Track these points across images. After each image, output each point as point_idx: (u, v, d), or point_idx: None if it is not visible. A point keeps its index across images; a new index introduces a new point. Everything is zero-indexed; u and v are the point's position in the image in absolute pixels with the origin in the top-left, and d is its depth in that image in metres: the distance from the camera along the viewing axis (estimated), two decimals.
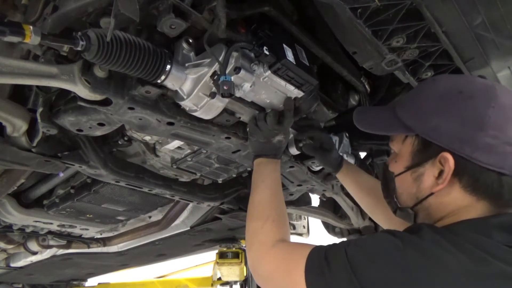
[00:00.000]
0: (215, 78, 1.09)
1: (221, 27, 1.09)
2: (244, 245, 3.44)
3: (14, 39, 0.88)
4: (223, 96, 1.05)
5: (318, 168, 1.75)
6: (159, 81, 1.10)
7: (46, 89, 1.28)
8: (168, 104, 1.23)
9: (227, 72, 1.07)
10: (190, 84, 1.15)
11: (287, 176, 1.80)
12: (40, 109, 1.27)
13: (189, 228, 2.62)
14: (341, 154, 1.68)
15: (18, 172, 1.70)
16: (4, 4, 1.19)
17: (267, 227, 1.10)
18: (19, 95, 1.38)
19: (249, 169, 1.79)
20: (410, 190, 0.97)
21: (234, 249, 3.51)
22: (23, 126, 1.33)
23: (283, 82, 1.24)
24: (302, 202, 2.20)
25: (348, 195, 2.09)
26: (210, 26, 1.10)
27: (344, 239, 2.87)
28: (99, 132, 1.35)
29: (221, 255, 3.60)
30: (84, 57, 0.99)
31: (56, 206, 2.03)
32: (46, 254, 3.06)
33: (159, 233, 2.55)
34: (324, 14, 1.23)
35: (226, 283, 4.48)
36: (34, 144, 1.38)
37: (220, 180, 1.92)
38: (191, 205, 2.39)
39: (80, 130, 1.32)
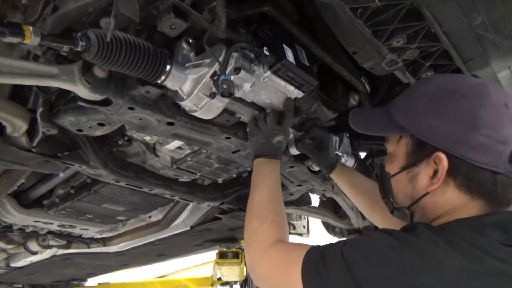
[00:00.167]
0: (215, 78, 1.09)
1: (221, 27, 1.09)
2: (244, 245, 3.43)
3: (14, 40, 0.88)
4: (222, 95, 1.05)
5: (318, 168, 1.75)
6: (159, 81, 1.10)
7: (46, 89, 1.28)
8: (168, 104, 1.23)
9: (227, 72, 1.07)
10: (190, 84, 1.15)
11: (287, 176, 1.80)
12: (40, 109, 1.27)
13: (189, 228, 2.62)
14: (341, 154, 1.68)
15: (18, 172, 1.70)
16: (4, 4, 1.19)
17: (265, 228, 1.10)
18: (19, 95, 1.38)
19: (249, 169, 1.79)
20: (406, 190, 0.98)
21: (234, 249, 3.51)
22: (23, 126, 1.33)
23: (283, 83, 1.24)
24: (302, 202, 2.20)
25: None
26: (210, 26, 1.10)
27: (344, 239, 2.87)
28: (99, 132, 1.35)
29: (221, 255, 3.60)
30: (84, 57, 0.99)
31: (56, 206, 2.03)
32: (46, 254, 3.06)
33: (159, 233, 2.55)
34: (324, 14, 1.23)
35: (226, 283, 4.48)
36: (34, 144, 1.38)
37: (220, 180, 1.92)
38: (191, 205, 2.39)
39: (80, 130, 1.32)
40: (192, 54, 1.15)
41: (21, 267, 3.38)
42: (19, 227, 2.37)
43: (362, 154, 2.04)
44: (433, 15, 1.12)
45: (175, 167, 1.70)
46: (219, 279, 4.49)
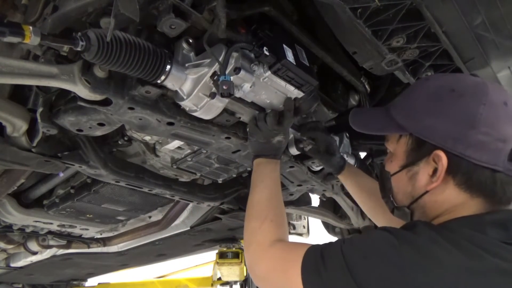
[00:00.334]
0: (215, 78, 1.09)
1: (221, 27, 1.09)
2: (243, 245, 3.43)
3: (14, 39, 0.88)
4: (222, 96, 1.05)
5: (318, 168, 1.75)
6: (159, 81, 1.10)
7: (46, 89, 1.28)
8: (168, 104, 1.23)
9: (227, 72, 1.07)
10: (190, 84, 1.15)
11: (287, 176, 1.80)
12: (40, 109, 1.27)
13: (189, 228, 2.62)
14: (341, 154, 1.68)
15: (18, 172, 1.70)
16: (4, 4, 1.19)
17: (265, 227, 1.10)
18: (19, 95, 1.38)
19: (249, 169, 1.79)
20: (406, 189, 0.98)
21: (234, 249, 3.51)
22: (23, 126, 1.33)
23: (283, 83, 1.24)
24: (302, 202, 2.20)
25: (348, 195, 2.09)
26: (210, 26, 1.10)
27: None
28: (99, 132, 1.35)
29: (221, 255, 3.60)
30: (84, 57, 0.99)
31: (56, 206, 2.03)
32: (46, 254, 3.06)
33: (159, 233, 2.55)
34: (324, 14, 1.23)
35: (226, 283, 4.48)
36: (34, 144, 1.38)
37: (220, 180, 1.92)
38: (191, 205, 2.39)
39: (80, 130, 1.32)
40: (192, 54, 1.15)
41: (21, 267, 3.38)
42: (19, 227, 2.37)
43: (362, 154, 2.04)
44: (433, 15, 1.12)
45: (175, 167, 1.70)
46: (219, 279, 4.49)
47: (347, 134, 1.77)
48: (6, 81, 1.07)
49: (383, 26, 1.16)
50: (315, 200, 2.38)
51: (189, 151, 1.63)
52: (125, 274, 5.14)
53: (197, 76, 1.14)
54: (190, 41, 1.14)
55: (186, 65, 1.14)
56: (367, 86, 1.65)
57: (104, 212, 2.22)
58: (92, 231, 2.64)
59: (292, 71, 1.20)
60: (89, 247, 2.83)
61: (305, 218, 3.52)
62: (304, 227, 3.49)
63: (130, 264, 3.92)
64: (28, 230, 2.44)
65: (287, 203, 2.08)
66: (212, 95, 1.15)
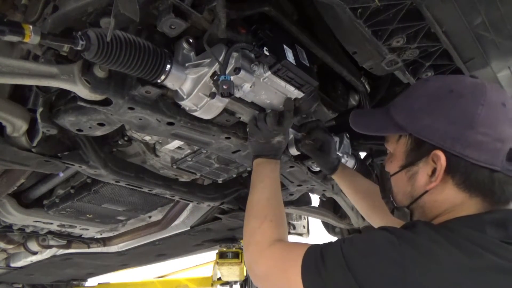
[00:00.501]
0: (215, 78, 1.09)
1: (221, 27, 1.09)
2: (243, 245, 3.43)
3: (14, 38, 0.88)
4: (222, 95, 1.05)
5: (318, 169, 1.75)
6: (159, 81, 1.10)
7: (46, 89, 1.28)
8: (168, 104, 1.23)
9: (227, 72, 1.07)
10: (190, 84, 1.15)
11: (287, 176, 1.80)
12: (40, 109, 1.27)
13: (189, 228, 2.62)
14: (341, 154, 1.68)
15: (18, 172, 1.70)
16: (4, 4, 1.19)
17: (265, 227, 1.10)
18: (19, 95, 1.38)
19: (249, 169, 1.79)
20: (405, 189, 0.99)
21: (234, 249, 3.52)
22: (23, 126, 1.33)
23: (283, 83, 1.24)
24: (302, 202, 2.20)
25: None
26: (210, 26, 1.10)
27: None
28: (99, 132, 1.35)
29: (221, 255, 3.61)
30: (84, 56, 0.99)
31: (56, 206, 2.03)
32: (46, 254, 3.06)
33: (159, 233, 2.55)
34: (324, 14, 1.23)
35: (226, 283, 4.49)
36: (34, 144, 1.38)
37: (220, 180, 1.92)
38: (191, 205, 2.39)
39: (80, 130, 1.32)
40: (192, 54, 1.15)
41: (21, 267, 3.38)
42: (19, 227, 2.37)
43: (362, 154, 2.04)
44: (433, 15, 1.12)
45: (175, 167, 1.70)
46: (219, 279, 4.49)
47: (347, 135, 1.77)
48: (6, 81, 1.07)
49: (383, 26, 1.16)
50: (315, 200, 2.38)
51: (189, 151, 1.63)
52: (125, 274, 5.14)
53: (197, 76, 1.14)
54: (190, 41, 1.14)
55: (186, 65, 1.14)
56: (367, 86, 1.65)
57: (104, 212, 2.22)
58: (92, 231, 2.64)
59: (292, 71, 1.20)
60: (89, 247, 2.82)
61: (305, 218, 3.53)
62: (304, 227, 3.49)
63: (130, 264, 3.92)
64: (28, 230, 2.44)
65: (287, 203, 2.08)
66: (212, 95, 1.15)
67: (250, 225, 1.15)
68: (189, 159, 1.65)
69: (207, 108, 1.20)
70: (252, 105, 1.30)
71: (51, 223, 2.29)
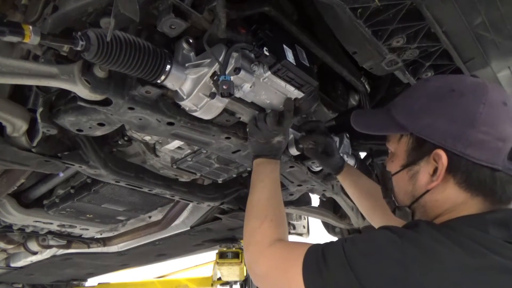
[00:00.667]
0: (215, 78, 1.09)
1: (221, 27, 1.09)
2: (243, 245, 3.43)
3: (14, 39, 0.88)
4: (222, 96, 1.05)
5: (318, 169, 1.75)
6: (159, 81, 1.10)
7: (46, 89, 1.28)
8: (168, 104, 1.23)
9: (227, 72, 1.07)
10: (190, 84, 1.15)
11: (287, 176, 1.80)
12: (40, 109, 1.27)
13: (189, 228, 2.62)
14: (341, 154, 1.68)
15: (18, 172, 1.70)
16: (4, 4, 1.19)
17: (265, 227, 1.10)
18: (19, 95, 1.38)
19: (249, 169, 1.79)
20: (407, 189, 0.99)
21: (234, 249, 3.52)
22: (23, 126, 1.33)
23: (283, 83, 1.24)
24: (302, 202, 2.20)
25: (348, 195, 2.09)
26: (210, 26, 1.10)
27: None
28: (99, 132, 1.35)
29: (221, 255, 3.61)
30: (84, 57, 0.99)
31: (56, 206, 2.03)
32: (46, 254, 3.06)
33: (159, 233, 2.55)
34: (324, 14, 1.23)
35: (226, 283, 4.49)
36: (34, 144, 1.38)
37: (220, 180, 1.92)
38: (191, 205, 2.39)
39: (80, 130, 1.32)
40: (192, 54, 1.15)
41: (21, 267, 3.38)
42: (19, 227, 2.37)
43: (362, 154, 2.04)
44: (433, 15, 1.12)
45: (175, 167, 1.70)
46: (219, 279, 4.49)
47: (347, 135, 1.77)
48: (6, 81, 1.07)
49: (383, 26, 1.16)
50: (315, 200, 2.38)
51: (189, 151, 1.63)
52: (125, 274, 5.14)
53: (197, 76, 1.14)
54: (190, 41, 1.14)
55: (186, 65, 1.14)
56: (367, 86, 1.65)
57: (104, 212, 2.22)
58: (92, 231, 2.64)
59: (292, 71, 1.20)
60: (89, 247, 2.82)
61: (305, 218, 3.53)
62: (304, 227, 3.49)
63: (130, 264, 3.92)
64: (28, 230, 2.44)
65: (287, 203, 2.08)
66: (212, 95, 1.15)
67: (250, 225, 1.15)
68: (189, 159, 1.65)
69: (207, 108, 1.20)
70: (252, 105, 1.30)
71: (51, 223, 2.29)
